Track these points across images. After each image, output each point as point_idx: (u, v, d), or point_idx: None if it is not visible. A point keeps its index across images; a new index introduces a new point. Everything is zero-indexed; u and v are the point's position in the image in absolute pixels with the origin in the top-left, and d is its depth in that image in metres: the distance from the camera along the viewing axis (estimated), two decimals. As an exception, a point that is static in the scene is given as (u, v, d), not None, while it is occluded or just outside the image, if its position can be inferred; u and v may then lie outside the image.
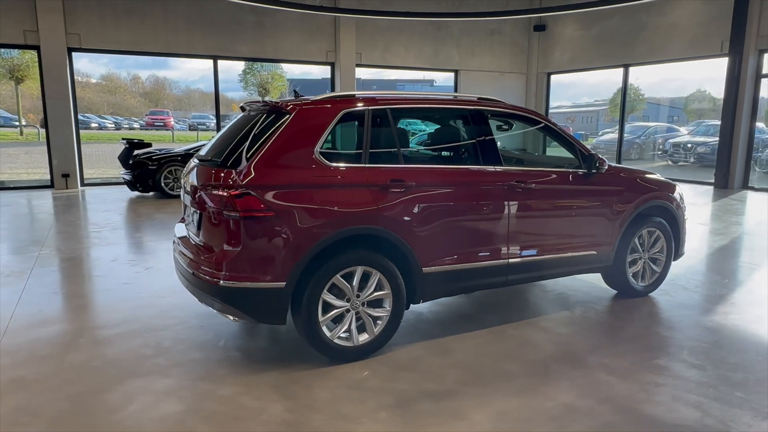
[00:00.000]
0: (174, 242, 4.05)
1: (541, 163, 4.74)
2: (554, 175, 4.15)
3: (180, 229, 4.07)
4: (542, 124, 4.27)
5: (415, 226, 3.52)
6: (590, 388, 3.13)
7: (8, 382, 3.17)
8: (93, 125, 30.35)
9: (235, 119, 4.14)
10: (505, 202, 3.85)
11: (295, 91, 3.93)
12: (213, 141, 4.05)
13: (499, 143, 4.06)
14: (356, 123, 3.57)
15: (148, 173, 10.14)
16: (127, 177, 10.34)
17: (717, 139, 17.51)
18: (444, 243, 3.65)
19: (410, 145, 4.24)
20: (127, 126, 33.86)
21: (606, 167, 4.22)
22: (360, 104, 3.54)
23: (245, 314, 3.23)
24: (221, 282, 3.15)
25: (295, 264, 3.17)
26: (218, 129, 13.21)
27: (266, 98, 3.74)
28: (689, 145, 17.62)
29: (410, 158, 3.89)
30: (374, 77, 16.75)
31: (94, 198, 10.37)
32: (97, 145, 22.03)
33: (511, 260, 3.94)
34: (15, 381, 3.18)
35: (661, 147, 19.50)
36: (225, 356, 3.55)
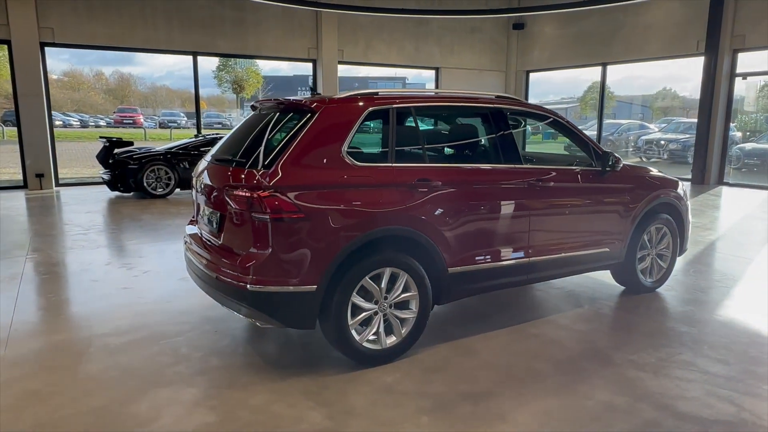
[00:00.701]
0: (186, 243, 3.91)
1: (551, 161, 4.74)
2: (570, 173, 4.17)
3: (192, 230, 3.93)
4: (558, 122, 4.28)
5: (441, 225, 3.47)
6: (624, 386, 3.14)
7: (22, 395, 3.00)
8: (57, 123, 29.31)
9: (246, 118, 4.03)
10: (526, 201, 3.84)
11: (311, 89, 3.83)
12: (225, 140, 3.92)
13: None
14: (381, 121, 3.50)
15: (129, 173, 9.81)
16: (107, 177, 9.99)
17: (687, 136, 18.12)
18: (468, 242, 3.62)
19: (433, 143, 4.16)
20: (93, 124, 32.85)
21: (621, 165, 4.26)
22: (384, 102, 3.47)
23: (274, 319, 3.12)
24: (249, 286, 3.04)
25: (326, 267, 3.08)
26: (198, 128, 12.90)
27: (311, 96, 3.63)
28: (662, 142, 18.09)
29: (434, 157, 3.84)
30: (343, 74, 16.52)
31: (72, 199, 9.99)
32: (65, 144, 21.28)
33: (531, 258, 3.93)
34: (30, 394, 3.01)
35: (633, 144, 19.97)
36: (247, 362, 3.43)
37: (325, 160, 3.19)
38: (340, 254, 3.11)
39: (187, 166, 10.06)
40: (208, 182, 3.54)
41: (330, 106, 3.30)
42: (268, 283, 3.04)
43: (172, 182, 10.07)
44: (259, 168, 3.14)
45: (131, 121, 30.93)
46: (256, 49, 12.92)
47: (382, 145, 3.44)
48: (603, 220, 4.32)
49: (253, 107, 4.11)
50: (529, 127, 15.41)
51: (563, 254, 4.11)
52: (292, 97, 3.72)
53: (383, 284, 3.31)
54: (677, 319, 4.24)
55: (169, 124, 32.05)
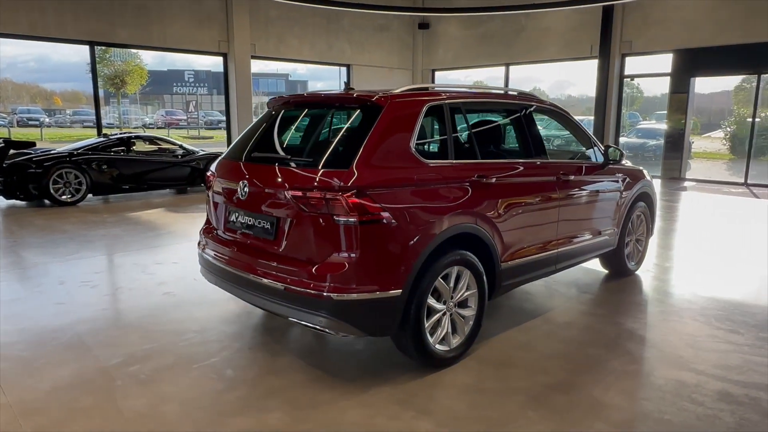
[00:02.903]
0: (209, 251, 3.52)
1: (557, 155, 4.98)
2: (584, 167, 4.39)
3: (218, 238, 3.54)
4: (568, 119, 4.50)
5: (497, 221, 3.49)
6: (678, 362, 3.38)
7: (74, 446, 2.50)
8: None
9: (263, 114, 3.73)
10: (557, 193, 3.99)
11: (346, 84, 3.62)
12: (247, 138, 3.59)
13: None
14: (435, 117, 3.41)
15: (30, 178, 8.53)
16: (-1, 183, 8.61)
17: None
18: (518, 236, 3.68)
19: (483, 139, 4.13)
20: (-74, 122, 28.08)
21: (624, 159, 4.58)
22: (438, 98, 3.39)
23: (356, 328, 2.92)
24: (332, 295, 2.81)
25: (411, 268, 2.95)
26: (98, 127, 11.57)
27: (345, 90, 3.40)
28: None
29: (485, 153, 3.83)
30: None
31: (-45, 210, 8.46)
32: None
33: (559, 249, 4.09)
34: (82, 444, 2.52)
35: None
36: (311, 378, 3.17)
37: (397, 158, 3.04)
38: (423, 254, 2.99)
39: (105, 168, 9.02)
40: (253, 185, 3.19)
41: (396, 101, 3.15)
42: (352, 291, 2.84)
43: (84, 187, 8.94)
44: (321, 167, 2.92)
45: (-20, 119, 26.91)
46: (160, 41, 11.90)
47: (440, 141, 3.35)
48: (606, 209, 4.62)
49: (269, 104, 3.79)
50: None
51: (580, 244, 4.33)
52: (337, 92, 3.49)
53: (452, 283, 3.25)
54: (673, 296, 4.66)
55: (29, 122, 28.45)
